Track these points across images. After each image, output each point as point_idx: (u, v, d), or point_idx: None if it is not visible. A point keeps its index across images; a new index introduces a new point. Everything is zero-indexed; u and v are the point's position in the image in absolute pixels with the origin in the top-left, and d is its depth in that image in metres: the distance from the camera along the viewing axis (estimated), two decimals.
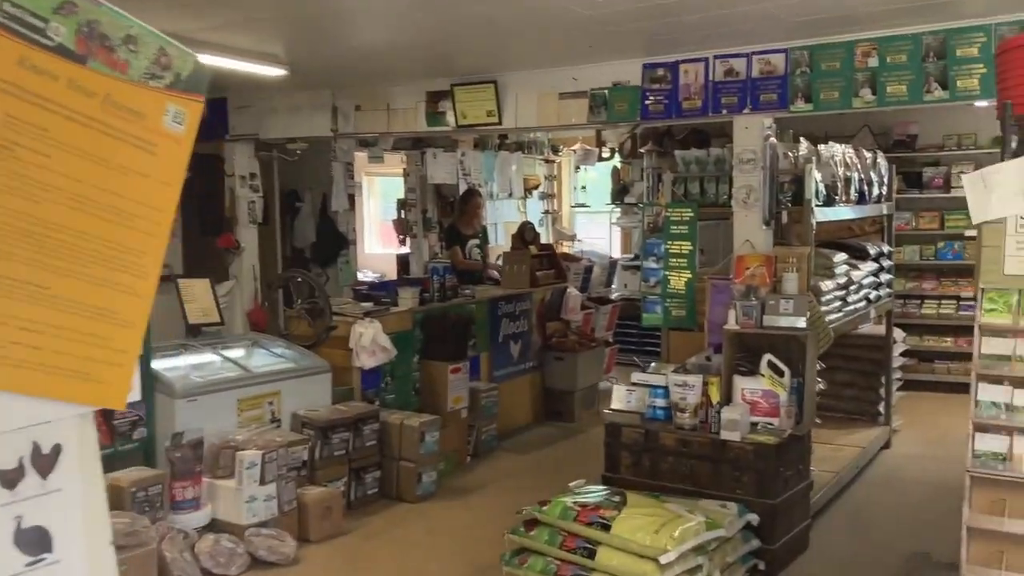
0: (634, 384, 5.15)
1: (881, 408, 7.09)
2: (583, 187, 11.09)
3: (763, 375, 4.83)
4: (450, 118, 6.17)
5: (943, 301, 8.81)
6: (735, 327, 4.94)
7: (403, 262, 9.84)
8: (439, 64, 5.86)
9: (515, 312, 7.59)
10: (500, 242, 10.44)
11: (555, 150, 10.83)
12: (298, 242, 8.70)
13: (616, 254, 10.44)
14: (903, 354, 7.54)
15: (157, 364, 5.22)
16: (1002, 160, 2.93)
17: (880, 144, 8.82)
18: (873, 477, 6.26)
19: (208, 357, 5.62)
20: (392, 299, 6.54)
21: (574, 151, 10.39)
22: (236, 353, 5.86)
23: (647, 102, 5.52)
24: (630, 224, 10.45)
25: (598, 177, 11.41)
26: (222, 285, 7.32)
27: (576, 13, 4.34)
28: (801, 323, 4.85)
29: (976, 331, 3.01)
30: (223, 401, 5.21)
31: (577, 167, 10.75)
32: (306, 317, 6.10)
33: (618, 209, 10.86)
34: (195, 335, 5.93)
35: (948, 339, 8.72)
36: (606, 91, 5.66)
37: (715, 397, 4.84)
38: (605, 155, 10.64)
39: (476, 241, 8.13)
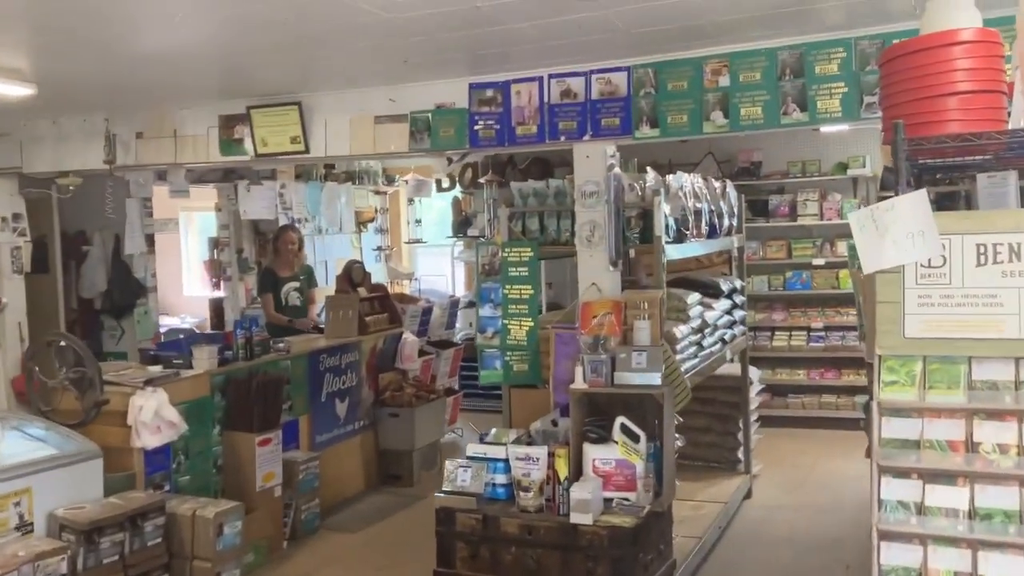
0: (470, 459, 4.37)
1: (740, 454, 6.61)
2: (418, 220, 10.30)
3: (616, 442, 4.16)
4: (248, 146, 5.25)
5: (794, 332, 8.53)
6: (583, 386, 4.25)
7: (217, 308, 8.73)
8: (233, 82, 4.95)
9: (340, 365, 6.68)
10: (331, 283, 9.47)
11: (390, 180, 10.00)
12: (86, 292, 7.47)
13: (460, 291, 9.69)
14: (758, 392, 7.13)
15: None
16: (895, 194, 2.35)
17: (724, 172, 8.49)
18: (737, 534, 5.72)
19: None
20: (186, 360, 5.50)
21: (406, 182, 9.58)
22: None
23: (476, 127, 4.80)
24: (473, 259, 9.71)
25: (442, 208, 10.65)
26: None
27: (377, 17, 3.55)
28: (656, 379, 4.21)
29: (874, 410, 2.39)
30: None
31: (411, 199, 9.94)
32: (72, 389, 4.98)
33: (460, 243, 10.14)
34: None
35: (801, 371, 8.43)
36: (429, 114, 4.90)
37: (563, 471, 4.12)
38: (445, 185, 9.90)
39: (295, 284, 7.17)
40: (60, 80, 4.67)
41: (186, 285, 11.83)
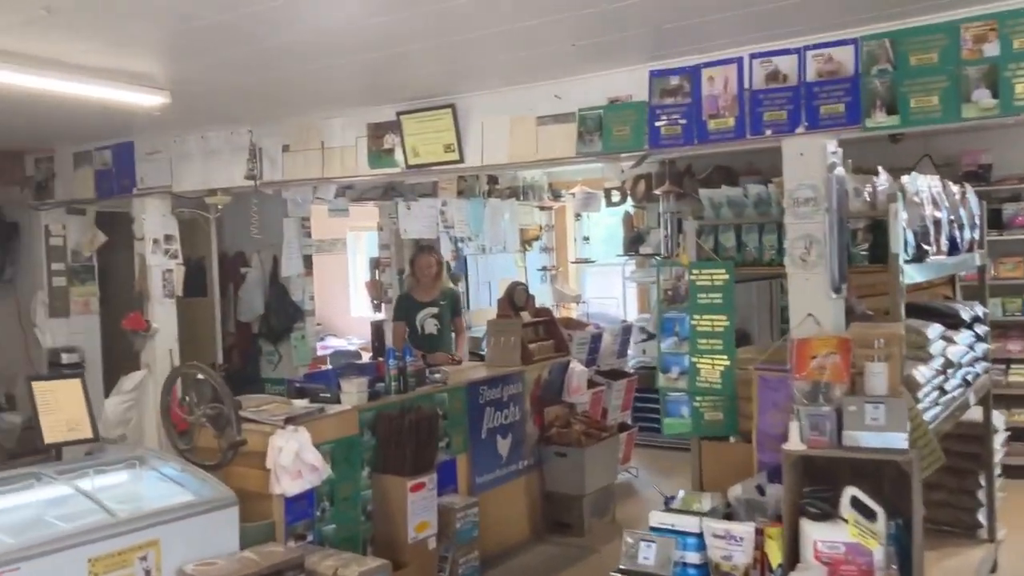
0: (653, 530, 3.54)
1: (981, 516, 5.40)
2: (586, 238, 9.50)
3: (846, 520, 3.21)
4: (399, 156, 4.66)
5: None
6: (799, 446, 3.33)
7: (378, 330, 8.29)
8: (382, 83, 4.38)
9: (503, 398, 6.01)
10: (493, 304, 8.87)
11: (556, 195, 9.31)
12: (244, 315, 7.19)
13: (631, 315, 8.84)
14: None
15: None
16: None
17: (946, 177, 7.24)
18: None
19: (59, 492, 4.07)
20: (334, 394, 4.98)
21: (573, 195, 8.82)
22: (108, 482, 4.32)
23: (658, 123, 3.98)
24: (647, 279, 8.85)
25: (611, 224, 9.86)
26: (130, 377, 5.82)
27: None
28: (900, 440, 3.23)
29: None
30: (65, 566, 3.64)
31: (578, 215, 9.16)
32: (209, 426, 4.55)
33: (631, 262, 9.29)
34: (59, 456, 4.40)
35: None
36: (600, 111, 4.13)
37: (775, 556, 3.23)
38: (615, 199, 9.10)
39: (433, 311, 6.55)
40: (195, 87, 4.24)
41: (353, 306, 11.62)
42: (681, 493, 3.85)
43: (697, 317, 4.03)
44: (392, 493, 4.95)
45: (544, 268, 8.96)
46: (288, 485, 4.41)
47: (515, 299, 6.60)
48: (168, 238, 5.85)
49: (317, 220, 11.54)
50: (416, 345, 6.00)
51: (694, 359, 4.04)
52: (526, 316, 6.63)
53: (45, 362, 6.38)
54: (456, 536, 5.18)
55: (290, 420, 4.51)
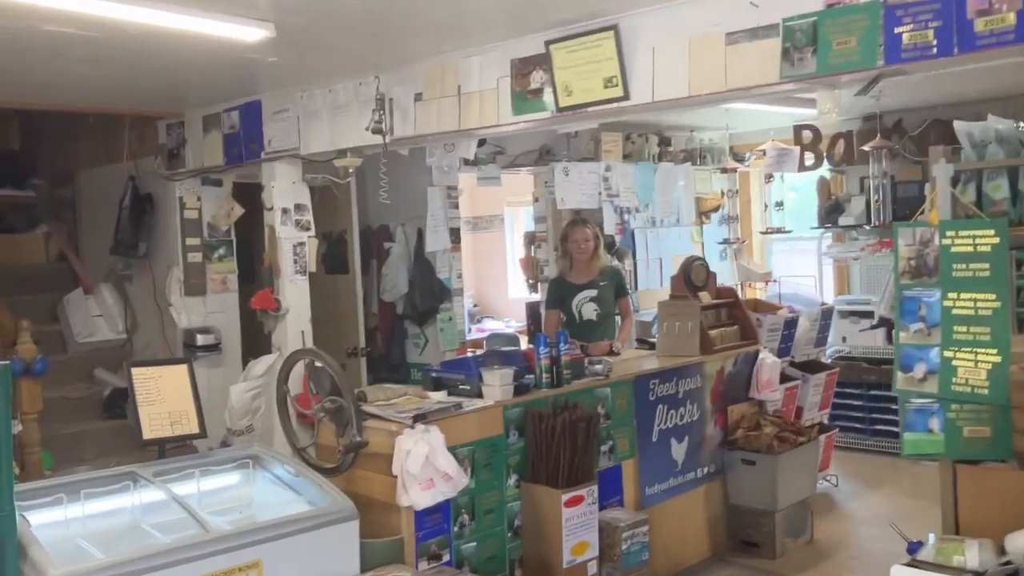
0: None
1: None
2: (779, 204, 8.21)
3: None
4: (548, 98, 3.78)
5: None
6: None
7: (534, 313, 7.50)
8: (529, 6, 3.51)
9: (677, 394, 5.05)
10: (666, 285, 7.86)
11: (738, 159, 8.15)
12: (387, 295, 6.55)
13: (828, 297, 7.58)
14: None
15: (39, 517, 3.17)
16: None
17: None
18: None
19: (154, 497, 3.49)
20: (475, 386, 4.19)
21: (763, 152, 7.60)
22: (214, 484, 3.72)
23: (899, 28, 2.89)
24: (847, 254, 7.58)
25: (803, 192, 8.60)
26: (260, 361, 5.27)
27: None
28: None
29: None
30: None
31: (769, 176, 7.91)
32: (330, 423, 3.86)
33: (828, 235, 8.02)
34: (162, 454, 3.84)
35: None
36: (813, 19, 3.08)
37: None
38: (809, 162, 7.85)
39: (591, 293, 5.62)
40: (301, 17, 3.51)
41: (511, 287, 10.91)
42: (931, 539, 2.78)
43: (953, 296, 2.93)
44: (544, 507, 4.11)
45: (725, 241, 7.82)
46: (417, 496, 3.66)
47: (692, 277, 5.58)
48: (299, 207, 5.25)
49: (473, 197, 10.92)
50: (574, 335, 5.14)
51: (948, 353, 2.94)
52: (705, 297, 5.60)
53: (180, 343, 5.97)
54: (622, 559, 4.30)
55: (419, 418, 3.75)
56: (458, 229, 6.52)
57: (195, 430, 3.81)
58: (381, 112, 4.18)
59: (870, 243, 7.28)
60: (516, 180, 7.72)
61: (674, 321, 5.39)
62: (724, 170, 7.55)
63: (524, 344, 9.96)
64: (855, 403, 7.11)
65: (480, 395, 4.16)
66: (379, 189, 4.97)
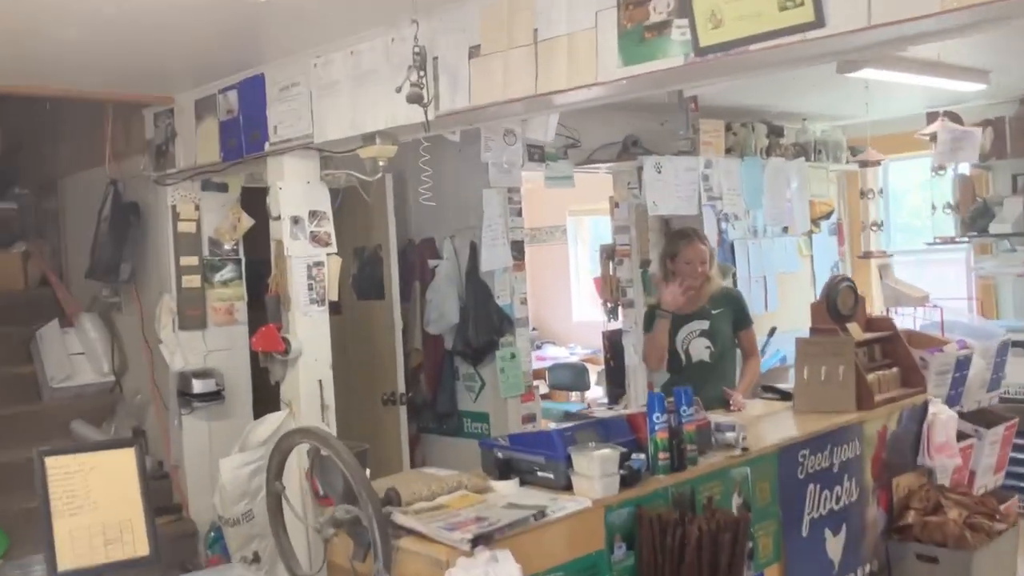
0: None
1: None
2: (946, 207, 6.31)
3: None
4: (679, 35, 2.41)
5: None
6: None
7: (614, 344, 6.13)
8: None
9: (832, 468, 3.65)
10: (772, 309, 6.43)
11: (854, 152, 6.69)
12: (433, 326, 5.21)
13: (976, 321, 6.06)
14: None
15: None
16: None
17: None
18: None
19: None
20: (559, 472, 2.82)
21: (928, 139, 5.83)
22: None
23: None
24: (1004, 269, 6.07)
25: (926, 192, 7.09)
26: (262, 423, 3.97)
27: None
28: None
29: None
30: None
31: (939, 169, 6.21)
32: (348, 538, 2.53)
33: (970, 245, 6.53)
34: None
35: None
36: None
37: None
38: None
39: (702, 326, 4.25)
40: None
41: (575, 309, 9.54)
42: None
43: None
44: None
45: (867, 255, 6.26)
46: None
47: (840, 304, 4.15)
48: (315, 216, 3.95)
49: (530, 203, 9.59)
50: (681, 381, 3.78)
51: None
52: (856, 331, 4.18)
53: (173, 391, 4.70)
54: None
55: (482, 538, 2.40)
56: (521, 243, 5.18)
57: (141, 552, 2.50)
58: (421, 72, 2.85)
59: None
60: (586, 182, 6.38)
61: (819, 364, 3.97)
62: (865, 163, 6.02)
63: (593, 375, 8.63)
64: None
65: (568, 486, 2.80)
66: (420, 188, 3.64)
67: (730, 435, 3.28)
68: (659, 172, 5.17)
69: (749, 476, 3.24)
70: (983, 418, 4.83)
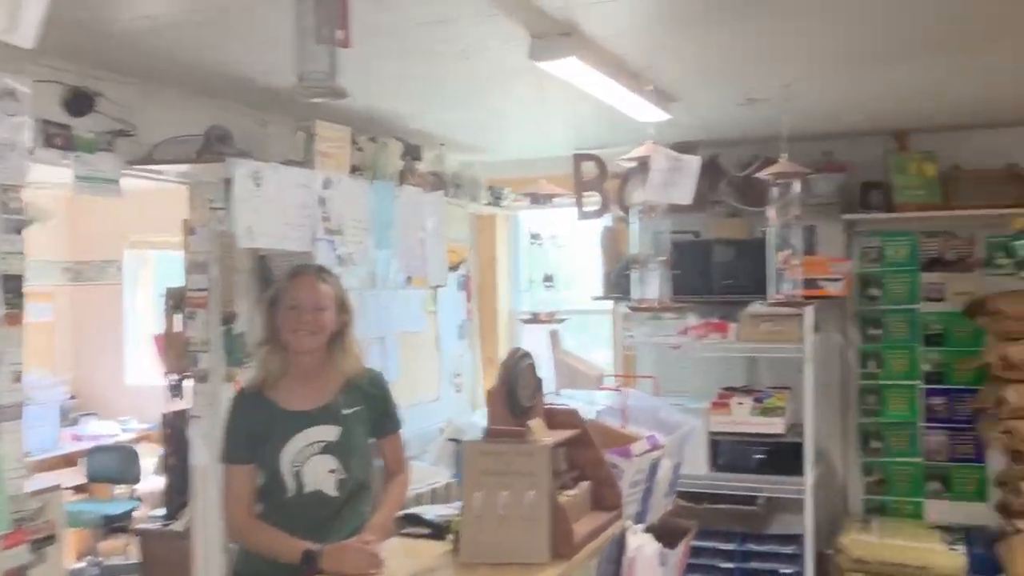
0: None
1: None
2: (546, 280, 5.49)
3: None
4: None
5: None
6: None
7: (175, 428, 4.27)
8: None
9: None
10: (393, 379, 5.00)
11: (496, 196, 5.62)
12: None
13: (649, 401, 5.20)
14: None
15: None
16: None
17: None
18: None
19: None
20: None
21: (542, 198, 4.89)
22: None
23: None
24: (656, 336, 5.30)
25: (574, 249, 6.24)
26: None
27: None
28: None
29: None
30: None
31: (648, 211, 5.08)
32: None
33: (615, 307, 5.74)
34: None
35: None
36: None
37: None
38: (591, 207, 5.49)
39: (326, 433, 2.67)
40: None
41: (128, 368, 7.32)
42: None
43: None
44: None
45: (534, 317, 4.90)
46: None
47: (520, 393, 2.80)
48: None
49: (74, 221, 7.27)
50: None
51: None
52: (539, 428, 2.86)
53: None
54: None
55: None
56: (19, 281, 3.13)
57: None
58: None
59: (692, 324, 5.09)
60: (153, 199, 4.49)
61: (499, 488, 2.58)
62: (537, 198, 4.74)
63: (151, 460, 6.47)
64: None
65: None
66: None
67: None
68: (258, 186, 3.49)
69: None
70: (665, 532, 3.81)
